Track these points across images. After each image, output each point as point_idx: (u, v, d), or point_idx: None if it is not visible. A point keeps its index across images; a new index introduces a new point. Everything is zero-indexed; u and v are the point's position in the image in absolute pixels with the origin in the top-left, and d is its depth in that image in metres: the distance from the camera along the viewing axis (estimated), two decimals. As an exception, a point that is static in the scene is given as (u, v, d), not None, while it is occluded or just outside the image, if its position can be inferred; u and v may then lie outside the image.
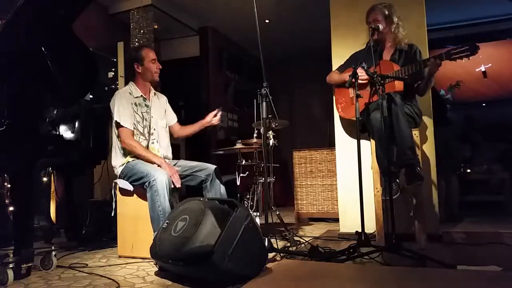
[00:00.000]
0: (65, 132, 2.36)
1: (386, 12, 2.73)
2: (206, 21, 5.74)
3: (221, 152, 3.36)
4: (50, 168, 3.35)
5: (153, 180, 2.42)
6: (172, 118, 3.03)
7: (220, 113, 2.92)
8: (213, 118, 2.93)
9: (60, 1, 2.40)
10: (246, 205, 3.21)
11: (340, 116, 3.14)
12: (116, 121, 2.64)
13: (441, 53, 2.41)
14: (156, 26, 5.02)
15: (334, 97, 3.07)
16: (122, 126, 2.64)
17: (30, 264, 2.13)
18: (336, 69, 3.06)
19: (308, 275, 1.95)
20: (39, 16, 2.28)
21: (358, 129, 2.44)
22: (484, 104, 5.79)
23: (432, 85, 2.69)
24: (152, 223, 2.44)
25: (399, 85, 2.61)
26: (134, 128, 2.70)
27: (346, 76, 2.79)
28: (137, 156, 2.64)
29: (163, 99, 3.02)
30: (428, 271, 1.97)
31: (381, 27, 2.66)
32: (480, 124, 5.38)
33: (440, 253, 2.38)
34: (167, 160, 2.82)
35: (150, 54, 2.81)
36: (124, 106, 2.68)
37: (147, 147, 2.74)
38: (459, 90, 4.68)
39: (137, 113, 2.74)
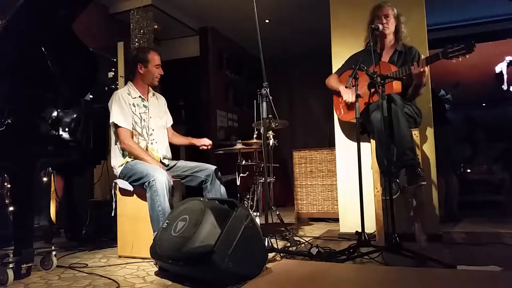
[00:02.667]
0: (65, 132, 2.36)
1: (395, 11, 2.74)
2: (206, 21, 5.74)
3: (221, 152, 3.36)
4: (50, 168, 3.35)
5: (152, 180, 2.42)
6: (168, 121, 3.04)
7: (210, 146, 2.95)
8: (203, 144, 2.93)
9: (60, 1, 2.41)
10: (246, 205, 3.21)
11: (339, 119, 3.14)
12: (113, 122, 2.65)
13: (437, 52, 2.40)
14: (156, 26, 5.01)
15: (333, 100, 3.06)
16: (120, 127, 2.65)
17: (30, 264, 2.14)
18: (335, 72, 3.06)
19: (308, 275, 1.95)
20: (39, 16, 2.28)
21: (358, 130, 2.44)
22: (484, 104, 5.79)
23: (419, 91, 2.62)
24: (152, 223, 2.44)
25: (397, 86, 2.61)
26: (132, 128, 2.70)
27: (341, 85, 2.85)
28: (135, 157, 2.65)
29: (162, 100, 3.02)
30: (428, 271, 1.97)
31: (380, 27, 2.65)
32: (480, 124, 5.38)
33: (440, 253, 2.38)
34: (166, 161, 2.83)
35: (156, 59, 2.81)
36: (122, 107, 2.68)
37: (146, 147, 2.74)
38: (459, 90, 4.69)
39: (135, 114, 2.74)
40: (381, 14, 2.73)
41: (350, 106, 2.86)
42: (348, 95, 2.78)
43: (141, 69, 2.79)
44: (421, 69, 2.43)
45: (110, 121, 2.67)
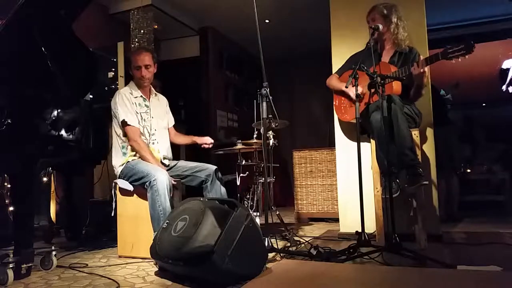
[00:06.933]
0: (65, 132, 2.35)
1: (385, 12, 2.71)
2: (206, 21, 5.74)
3: (221, 152, 3.36)
4: (50, 168, 3.35)
5: (153, 180, 2.42)
6: (170, 121, 3.04)
7: (212, 145, 2.98)
8: (205, 143, 2.95)
9: (60, 1, 2.41)
10: (246, 205, 3.21)
11: (339, 119, 3.14)
12: (123, 120, 2.65)
13: (437, 52, 2.39)
14: (156, 26, 5.01)
15: (333, 100, 3.06)
16: (129, 125, 2.65)
17: (30, 264, 2.13)
18: (336, 72, 3.06)
19: (308, 275, 1.95)
20: (39, 16, 2.28)
21: (358, 129, 2.44)
22: (484, 104, 5.79)
23: (422, 91, 2.62)
24: (152, 223, 2.44)
25: (397, 87, 2.60)
26: (134, 128, 2.71)
27: (342, 85, 2.84)
28: (140, 156, 2.65)
29: (164, 101, 3.03)
30: (428, 271, 1.97)
31: (381, 27, 2.65)
32: (480, 124, 5.38)
33: (440, 253, 2.38)
34: (167, 161, 2.83)
35: (136, 59, 2.77)
36: (128, 105, 2.70)
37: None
38: (459, 90, 4.68)
39: (137, 113, 2.74)
40: (369, 18, 2.79)
41: (350, 106, 2.86)
42: (352, 91, 2.76)
43: (131, 72, 2.82)
44: (421, 70, 2.43)
45: (120, 120, 2.67)
